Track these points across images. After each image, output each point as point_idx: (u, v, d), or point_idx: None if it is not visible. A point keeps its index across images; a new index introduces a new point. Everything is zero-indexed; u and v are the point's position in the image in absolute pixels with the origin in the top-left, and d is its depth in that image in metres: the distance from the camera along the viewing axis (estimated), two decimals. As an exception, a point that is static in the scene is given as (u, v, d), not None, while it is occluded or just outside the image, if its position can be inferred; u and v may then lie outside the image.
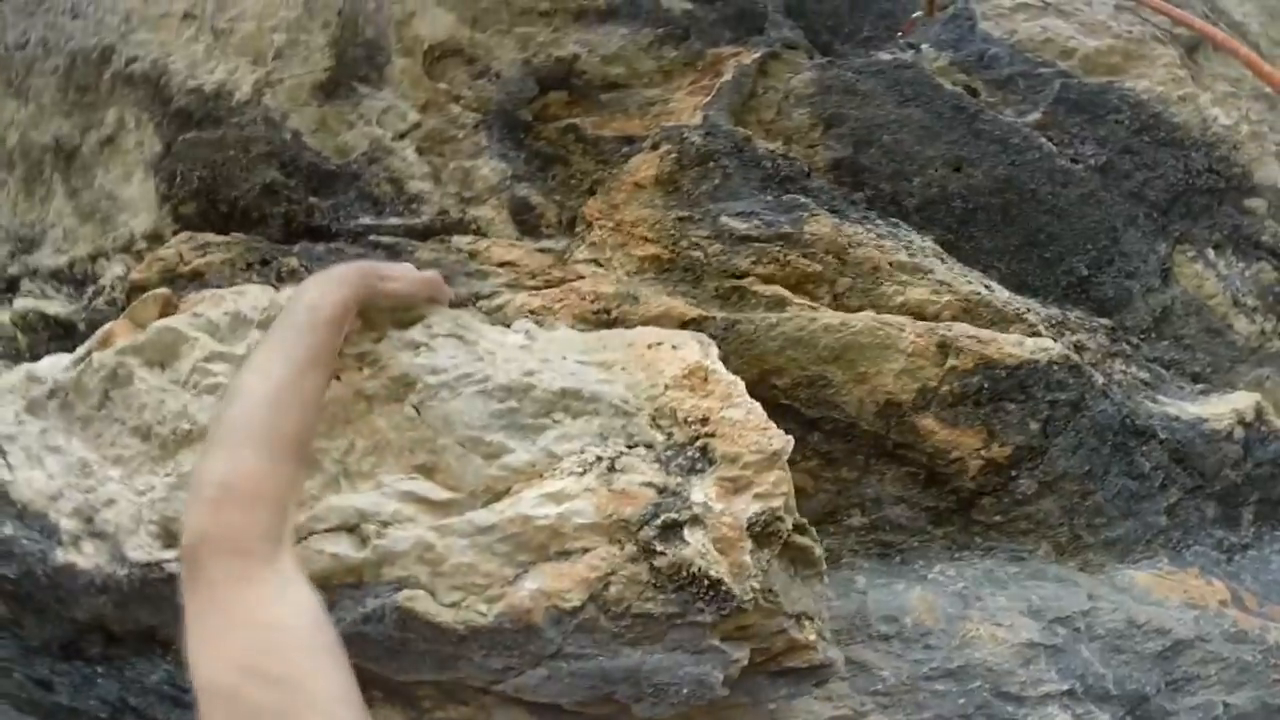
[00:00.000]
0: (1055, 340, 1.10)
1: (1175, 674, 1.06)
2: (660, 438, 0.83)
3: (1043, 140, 1.22)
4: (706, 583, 0.78)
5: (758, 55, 1.19)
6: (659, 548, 0.78)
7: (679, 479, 0.81)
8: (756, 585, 0.79)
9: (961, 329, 1.05)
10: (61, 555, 0.92)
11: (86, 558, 0.91)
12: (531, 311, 1.02)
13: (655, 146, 1.13)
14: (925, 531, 1.13)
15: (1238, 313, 1.23)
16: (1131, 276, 1.20)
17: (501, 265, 1.10)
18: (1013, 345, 1.05)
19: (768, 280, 1.08)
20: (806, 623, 0.87)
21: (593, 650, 0.82)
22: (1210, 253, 1.24)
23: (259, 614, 0.61)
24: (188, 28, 1.19)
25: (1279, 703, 1.07)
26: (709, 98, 1.16)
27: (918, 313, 1.08)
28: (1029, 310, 1.12)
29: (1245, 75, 1.31)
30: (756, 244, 1.08)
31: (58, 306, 1.20)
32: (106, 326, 0.99)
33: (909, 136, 1.19)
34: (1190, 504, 1.17)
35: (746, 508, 0.80)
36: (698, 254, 1.07)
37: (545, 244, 1.15)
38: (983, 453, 1.05)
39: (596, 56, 1.16)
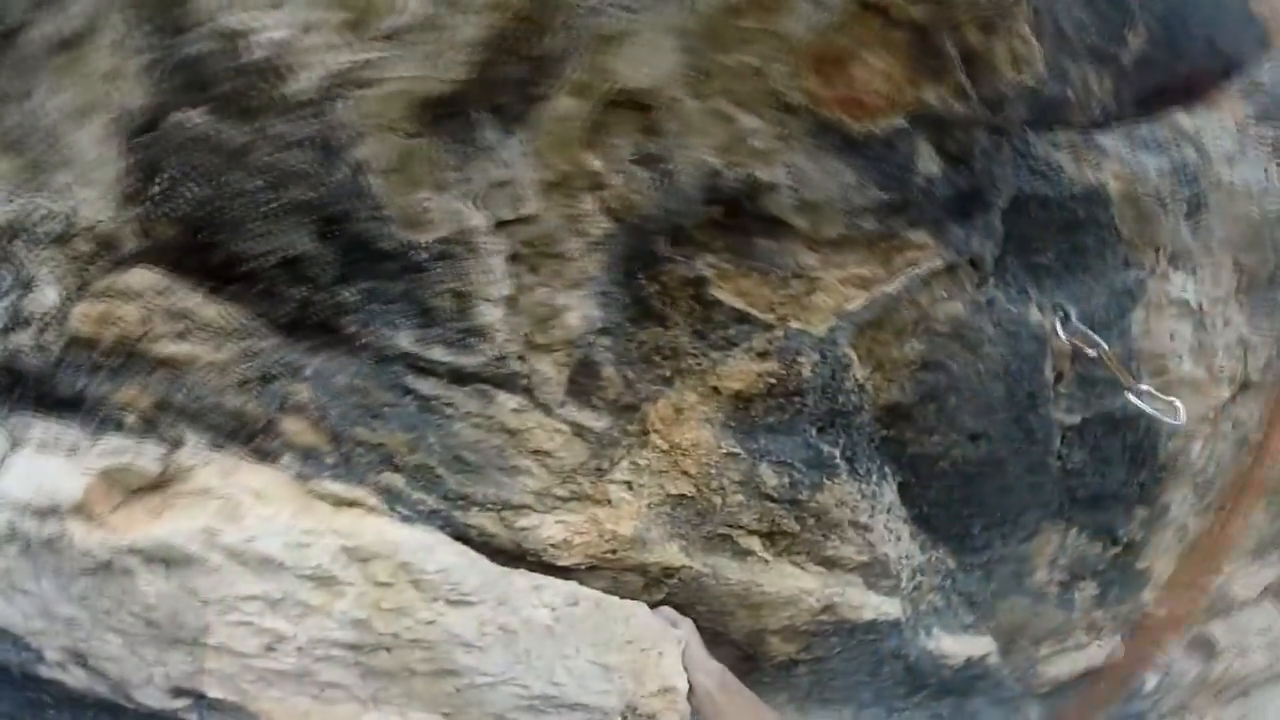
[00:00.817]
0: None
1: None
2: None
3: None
4: None
5: (938, 265, 1.06)
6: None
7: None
8: None
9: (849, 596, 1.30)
10: (46, 672, 0.94)
11: (78, 681, 0.94)
12: (553, 545, 1.06)
13: (763, 355, 1.06)
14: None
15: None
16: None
17: (535, 454, 1.07)
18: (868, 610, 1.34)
19: (751, 532, 1.21)
20: None
21: None
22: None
23: None
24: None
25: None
26: (855, 305, 1.05)
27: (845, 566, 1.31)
28: (905, 562, 1.41)
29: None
30: (769, 503, 1.18)
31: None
32: (78, 498, 0.84)
33: (966, 407, 1.24)
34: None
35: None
36: (718, 499, 1.14)
37: (589, 419, 1.09)
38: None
39: (797, 196, 0.95)
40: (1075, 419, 1.29)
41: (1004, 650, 1.57)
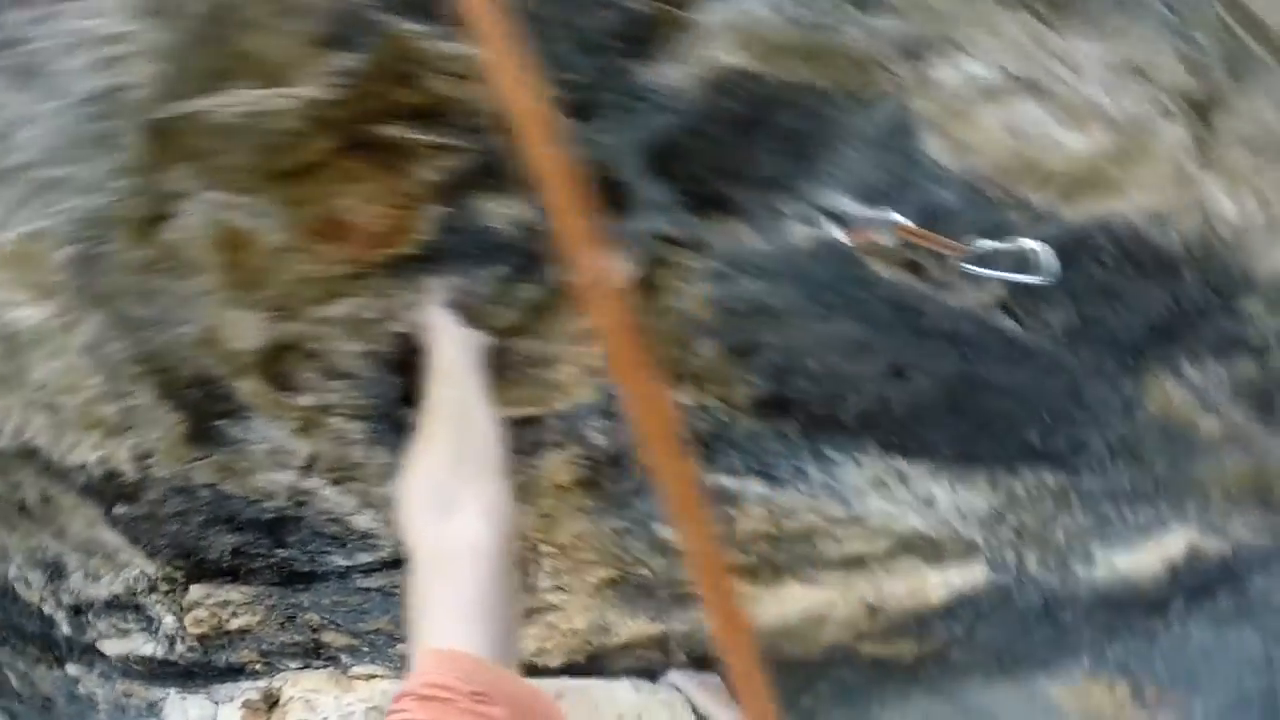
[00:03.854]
0: (990, 538, 1.17)
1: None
2: None
3: (1002, 321, 1.07)
4: None
5: (633, 273, 0.97)
6: None
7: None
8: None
9: (890, 590, 1.15)
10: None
11: None
12: (535, 655, 1.19)
13: (560, 446, 1.10)
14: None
15: (1205, 414, 1.20)
16: (1091, 425, 1.17)
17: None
18: (938, 588, 1.15)
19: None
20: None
21: None
22: (1185, 365, 1.15)
23: None
24: (14, 398, 0.98)
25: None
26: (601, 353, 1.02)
27: (856, 561, 1.17)
28: (966, 519, 1.17)
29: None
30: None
31: (147, 646, 1.43)
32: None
33: (840, 355, 1.09)
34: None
35: None
36: (645, 572, 1.15)
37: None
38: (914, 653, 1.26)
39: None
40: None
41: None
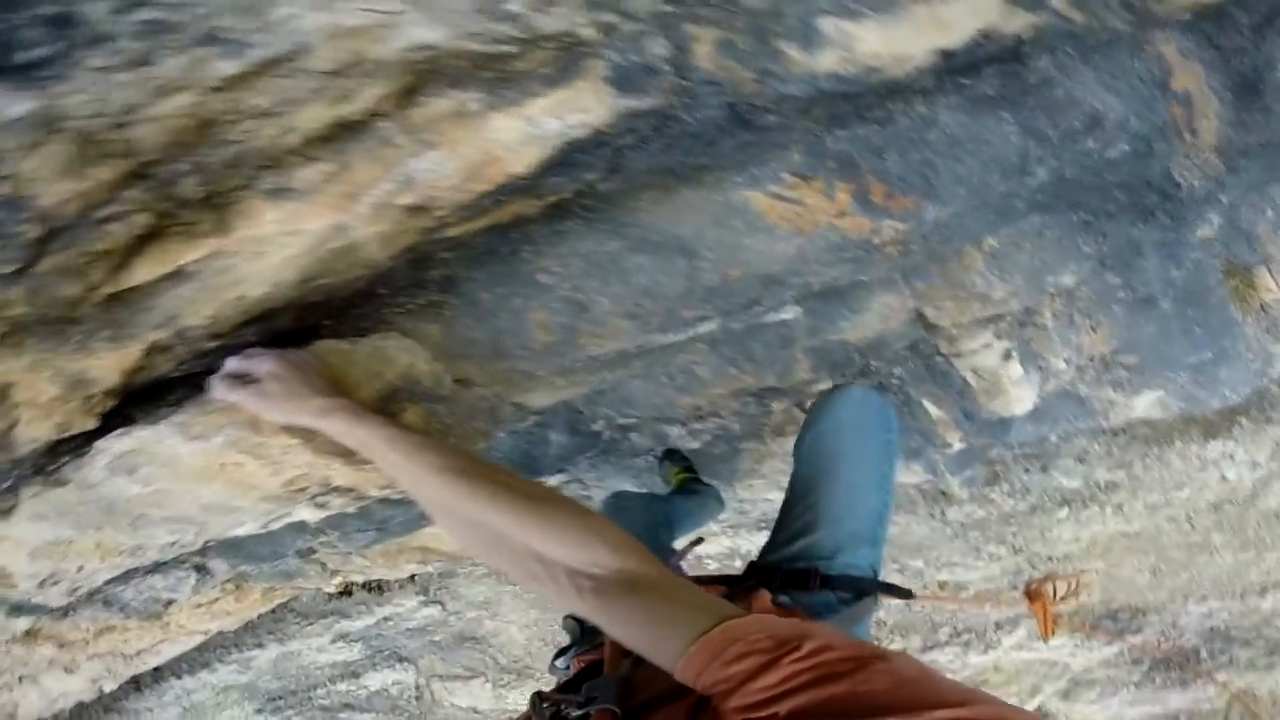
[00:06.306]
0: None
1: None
2: None
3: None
4: None
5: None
6: None
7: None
8: None
9: (421, 174, 0.89)
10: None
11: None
12: None
13: None
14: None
15: None
16: None
17: None
18: (519, 146, 0.88)
19: None
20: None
21: None
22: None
23: None
24: None
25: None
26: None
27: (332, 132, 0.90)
28: None
29: None
30: None
31: None
32: None
33: None
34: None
35: None
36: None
37: None
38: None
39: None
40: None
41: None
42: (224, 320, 0.97)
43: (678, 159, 1.05)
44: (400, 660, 3.83)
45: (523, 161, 0.93)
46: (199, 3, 0.67)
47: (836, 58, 0.95)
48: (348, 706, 3.96)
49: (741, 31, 0.90)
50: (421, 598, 3.59)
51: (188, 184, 0.80)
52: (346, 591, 3.55)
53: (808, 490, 1.26)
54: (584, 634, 1.17)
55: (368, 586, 3.55)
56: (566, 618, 1.23)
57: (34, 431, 0.96)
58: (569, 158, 0.95)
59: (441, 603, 3.62)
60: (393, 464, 0.93)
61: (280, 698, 3.96)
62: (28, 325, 0.84)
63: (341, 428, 0.96)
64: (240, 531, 1.45)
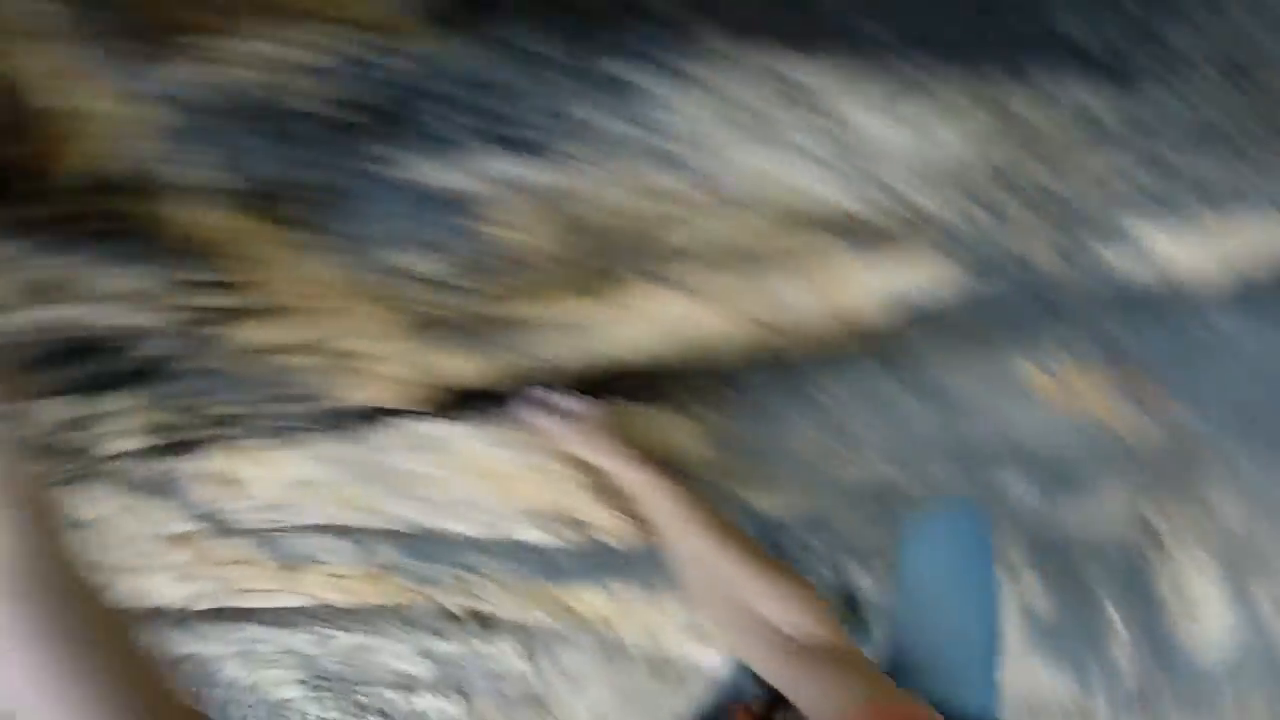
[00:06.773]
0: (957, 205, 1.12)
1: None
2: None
3: None
4: None
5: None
6: None
7: None
8: None
9: (789, 299, 1.15)
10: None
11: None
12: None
13: None
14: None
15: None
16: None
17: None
18: (869, 292, 1.13)
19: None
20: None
21: None
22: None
23: None
24: None
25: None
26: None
27: (724, 256, 1.12)
28: (919, 176, 1.12)
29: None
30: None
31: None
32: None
33: None
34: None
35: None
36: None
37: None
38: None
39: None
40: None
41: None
42: (569, 364, 1.18)
43: (972, 321, 1.22)
44: (460, 693, 3.80)
45: (870, 310, 1.12)
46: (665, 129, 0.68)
47: (1142, 260, 1.02)
48: (382, 714, 3.95)
49: (1060, 227, 0.99)
50: (520, 649, 3.60)
51: (606, 257, 0.94)
52: (457, 616, 3.57)
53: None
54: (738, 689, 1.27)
55: (479, 618, 3.59)
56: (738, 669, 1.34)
57: (368, 396, 1.16)
58: (902, 314, 1.13)
59: (535, 661, 3.62)
60: (667, 512, 1.09)
61: (329, 679, 3.97)
62: (435, 323, 1.01)
63: (633, 473, 1.16)
64: (457, 528, 1.62)
